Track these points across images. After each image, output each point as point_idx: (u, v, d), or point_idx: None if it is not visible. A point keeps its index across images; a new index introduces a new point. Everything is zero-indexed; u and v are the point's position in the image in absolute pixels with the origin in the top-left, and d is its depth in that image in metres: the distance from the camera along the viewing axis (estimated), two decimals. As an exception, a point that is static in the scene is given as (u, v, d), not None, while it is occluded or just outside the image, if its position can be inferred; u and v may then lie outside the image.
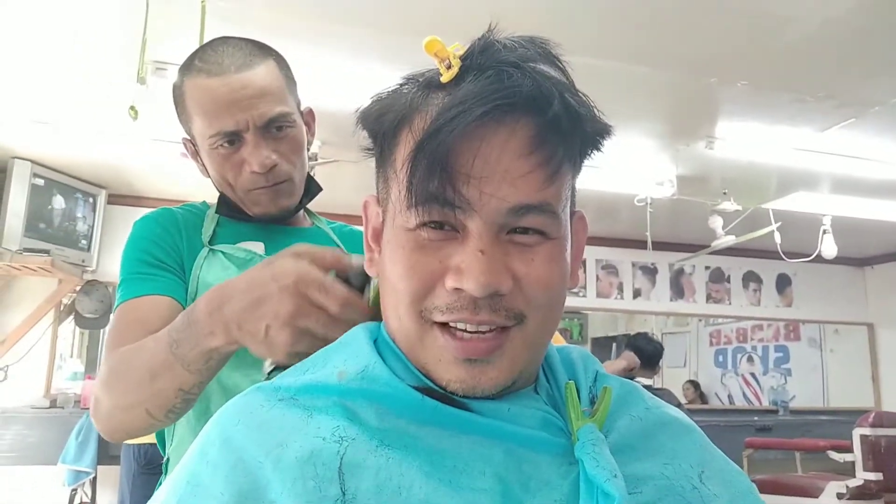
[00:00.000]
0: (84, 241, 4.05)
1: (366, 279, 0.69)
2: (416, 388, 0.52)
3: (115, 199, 4.28)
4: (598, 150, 0.55)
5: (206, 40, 1.94)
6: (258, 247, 1.02)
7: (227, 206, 1.05)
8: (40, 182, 3.74)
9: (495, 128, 0.49)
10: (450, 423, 0.51)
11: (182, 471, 0.51)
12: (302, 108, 1.05)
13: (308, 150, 1.06)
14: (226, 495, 0.47)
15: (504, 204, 0.49)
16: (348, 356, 0.56)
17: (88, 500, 3.79)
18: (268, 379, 0.62)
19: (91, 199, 4.09)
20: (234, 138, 0.95)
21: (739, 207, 3.88)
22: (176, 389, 0.76)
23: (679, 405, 3.65)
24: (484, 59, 0.51)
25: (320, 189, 1.11)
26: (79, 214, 4.02)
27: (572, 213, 0.57)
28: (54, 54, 2.51)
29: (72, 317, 4.24)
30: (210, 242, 1.01)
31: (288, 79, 1.01)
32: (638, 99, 2.84)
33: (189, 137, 1.04)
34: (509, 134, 0.49)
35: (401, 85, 0.56)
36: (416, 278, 0.51)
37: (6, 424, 3.75)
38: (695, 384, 6.22)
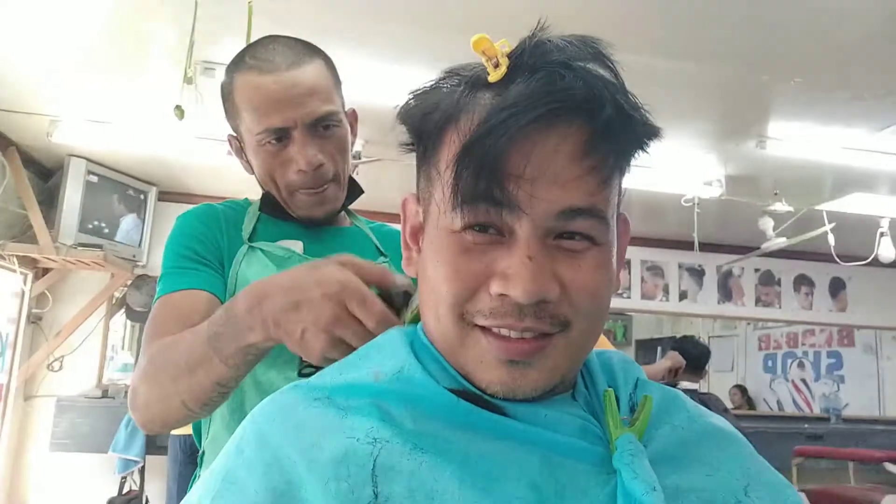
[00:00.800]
0: (135, 236, 4.16)
1: (406, 299, 0.69)
2: (452, 391, 0.51)
3: (165, 195, 4.39)
4: (646, 152, 0.53)
5: (252, 40, 1.97)
6: (297, 245, 1.02)
7: (269, 205, 1.06)
8: (94, 179, 3.86)
9: (547, 130, 0.47)
10: (485, 428, 0.50)
11: (218, 467, 0.51)
12: (346, 109, 1.05)
13: (351, 150, 1.06)
14: (260, 494, 0.47)
15: (554, 207, 0.48)
16: (384, 357, 0.56)
17: (137, 489, 3.90)
18: (301, 377, 0.62)
19: (142, 196, 4.21)
20: (281, 135, 0.96)
21: (791, 209, 3.76)
22: (213, 383, 0.77)
23: (725, 410, 3.56)
24: (534, 58, 0.49)
25: (362, 191, 1.12)
26: (130, 210, 4.13)
27: (617, 217, 0.55)
28: (107, 55, 2.59)
29: (123, 310, 4.36)
30: (250, 239, 1.02)
31: (335, 79, 1.02)
32: (686, 97, 2.78)
33: (235, 134, 1.04)
34: (561, 137, 0.48)
35: (440, 80, 0.54)
36: (460, 282, 0.50)
37: (61, 412, 3.89)
38: (742, 389, 6.06)
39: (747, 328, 6.39)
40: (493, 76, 0.50)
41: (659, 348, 5.60)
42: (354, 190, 1.10)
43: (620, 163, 0.52)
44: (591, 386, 0.57)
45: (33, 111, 3.16)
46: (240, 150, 1.05)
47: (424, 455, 0.48)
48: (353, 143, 1.07)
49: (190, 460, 3.02)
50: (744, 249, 4.67)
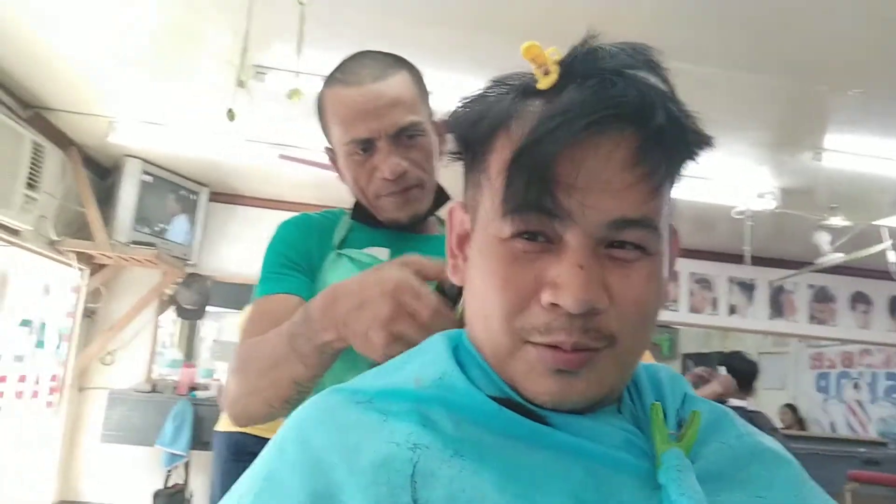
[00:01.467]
0: (186, 236, 4.27)
1: (460, 294, 0.71)
2: (494, 399, 0.51)
3: (216, 196, 4.50)
4: (695, 161, 0.52)
5: (304, 45, 2.00)
6: (383, 252, 1.06)
7: (360, 213, 1.10)
8: (149, 179, 3.98)
9: (598, 138, 0.47)
10: (527, 437, 0.50)
11: (260, 467, 0.52)
12: (434, 119, 1.08)
13: (437, 159, 1.09)
14: (301, 495, 0.47)
15: (605, 217, 0.47)
16: (425, 363, 0.55)
17: (182, 483, 3.99)
18: None
19: (194, 197, 4.32)
20: (367, 146, 1.00)
21: (849, 223, 3.63)
22: (291, 381, 0.81)
23: (773, 429, 3.45)
24: (585, 66, 0.49)
25: (449, 198, 1.14)
26: (183, 211, 4.24)
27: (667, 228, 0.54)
28: (163, 58, 2.67)
29: (173, 307, 4.48)
30: (339, 246, 1.06)
31: (420, 89, 1.05)
32: (739, 107, 2.72)
33: (330, 146, 1.09)
34: (613, 145, 0.47)
35: (488, 89, 0.54)
36: (512, 292, 0.49)
37: (112, 405, 4.01)
38: (793, 408, 5.88)
39: (799, 346, 6.20)
40: (544, 83, 0.50)
41: (688, 361, 5.47)
42: (442, 197, 1.12)
43: (671, 171, 0.51)
44: (637, 399, 0.56)
45: (93, 112, 3.28)
46: (334, 162, 1.10)
47: (464, 462, 0.47)
48: (443, 153, 1.10)
49: (234, 457, 3.07)
50: (797, 264, 4.53)
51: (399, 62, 1.03)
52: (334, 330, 0.75)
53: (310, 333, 0.78)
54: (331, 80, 1.03)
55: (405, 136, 1.00)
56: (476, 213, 0.54)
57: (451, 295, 0.73)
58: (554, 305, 0.47)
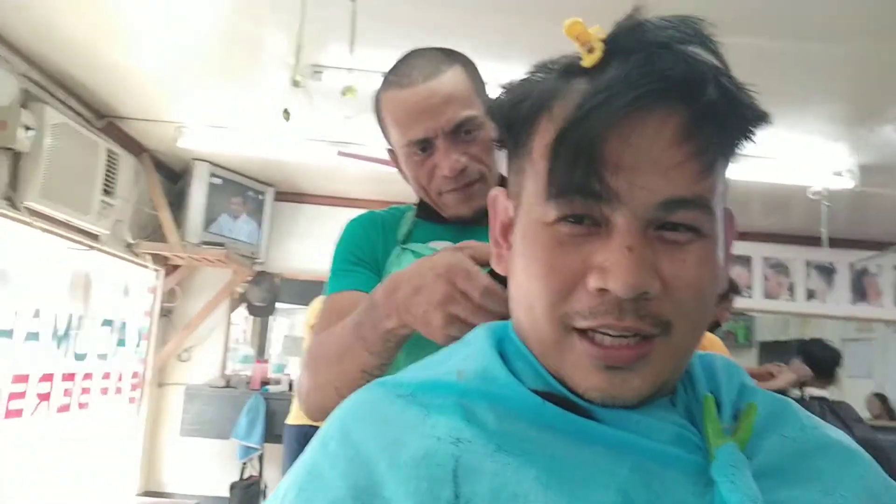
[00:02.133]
0: (254, 235, 4.39)
1: None
2: (538, 393, 0.49)
3: (282, 196, 4.61)
4: (752, 140, 0.49)
5: (356, 40, 2.01)
6: (446, 246, 1.08)
7: (424, 209, 1.11)
8: (218, 181, 4.11)
9: (645, 115, 0.45)
10: (572, 431, 0.48)
11: (305, 460, 0.52)
12: None
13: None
14: (342, 489, 0.47)
15: (655, 197, 0.45)
16: (468, 356, 0.54)
17: (257, 475, 4.11)
18: None
19: (260, 196, 4.44)
20: (425, 145, 1.00)
21: (937, 199, 3.42)
22: (359, 370, 0.83)
23: (859, 420, 3.28)
24: (630, 41, 0.47)
25: None
26: (250, 210, 4.36)
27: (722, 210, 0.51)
28: (223, 63, 2.74)
29: (244, 305, 4.62)
30: (404, 242, 1.08)
31: (475, 81, 1.04)
32: (812, 79, 2.58)
33: (391, 147, 1.10)
34: (661, 121, 0.45)
35: (533, 73, 0.53)
36: (557, 278, 0.47)
37: (190, 400, 4.18)
38: (882, 398, 5.57)
39: (887, 331, 5.87)
40: (587, 61, 0.48)
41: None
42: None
43: (724, 149, 0.48)
44: (691, 391, 0.53)
45: (162, 118, 3.41)
46: (397, 162, 1.11)
47: (508, 457, 0.46)
48: None
49: (304, 449, 3.15)
50: (881, 245, 4.29)
51: (452, 56, 1.03)
52: (397, 317, 0.77)
53: (374, 322, 0.80)
54: (385, 82, 1.03)
55: (462, 132, 0.99)
56: (520, 199, 0.53)
57: (503, 276, 0.73)
58: (602, 291, 0.45)
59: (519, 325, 0.54)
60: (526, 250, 0.50)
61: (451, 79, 0.99)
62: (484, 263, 0.71)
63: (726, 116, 0.46)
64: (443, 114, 0.97)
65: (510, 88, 0.53)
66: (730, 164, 0.50)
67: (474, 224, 1.08)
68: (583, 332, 0.47)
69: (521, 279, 0.51)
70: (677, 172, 0.45)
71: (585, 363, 0.47)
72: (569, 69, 0.50)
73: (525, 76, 0.53)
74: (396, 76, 1.01)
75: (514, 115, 0.52)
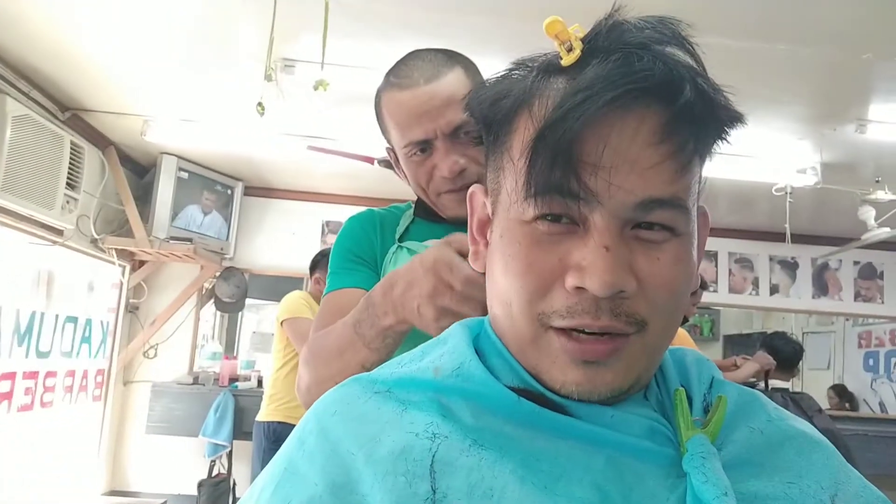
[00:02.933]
0: (223, 230, 4.34)
1: None
2: (513, 389, 0.50)
3: (251, 190, 4.56)
4: (726, 140, 0.50)
5: (329, 37, 1.99)
6: None
7: (422, 209, 1.12)
8: (185, 175, 4.05)
9: (623, 115, 0.45)
10: (547, 427, 0.48)
11: (281, 457, 0.52)
12: None
13: None
14: (320, 486, 0.47)
15: (632, 197, 0.45)
16: (445, 352, 0.54)
17: (225, 472, 4.07)
18: None
19: (229, 191, 4.38)
20: (425, 146, 1.01)
21: (895, 197, 3.51)
22: (359, 366, 0.85)
23: (819, 411, 3.36)
24: (609, 41, 0.47)
25: None
26: (218, 205, 4.31)
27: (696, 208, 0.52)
28: (193, 56, 2.70)
29: (212, 301, 4.56)
30: (401, 240, 1.09)
31: (476, 83, 1.04)
32: (777, 79, 2.63)
33: (390, 147, 1.10)
34: (639, 121, 0.46)
35: (510, 70, 0.53)
36: (534, 276, 0.48)
37: (156, 398, 4.12)
38: (840, 390, 5.73)
39: (846, 324, 6.03)
40: (567, 60, 0.48)
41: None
42: None
43: (700, 149, 0.49)
44: (663, 385, 0.54)
45: (128, 112, 3.34)
46: (396, 162, 1.11)
47: (484, 451, 0.47)
48: None
49: (273, 446, 3.13)
50: (842, 241, 4.40)
51: (453, 58, 1.03)
52: (394, 313, 0.80)
53: (372, 319, 0.83)
54: (385, 83, 1.04)
55: (462, 134, 1.00)
56: (498, 197, 0.53)
57: None
58: (579, 289, 0.46)
59: (496, 321, 0.54)
60: (504, 248, 0.51)
61: (451, 81, 1.00)
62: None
63: (703, 117, 0.47)
64: (443, 116, 0.98)
65: (489, 85, 0.53)
66: (704, 163, 0.51)
67: None
68: (559, 330, 0.48)
69: (499, 276, 0.51)
70: (654, 172, 0.46)
71: (562, 359, 0.48)
72: (548, 68, 0.50)
73: (503, 73, 0.53)
74: (397, 77, 1.01)
75: (494, 113, 0.52)
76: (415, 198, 1.15)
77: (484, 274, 0.66)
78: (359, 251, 1.08)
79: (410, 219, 1.13)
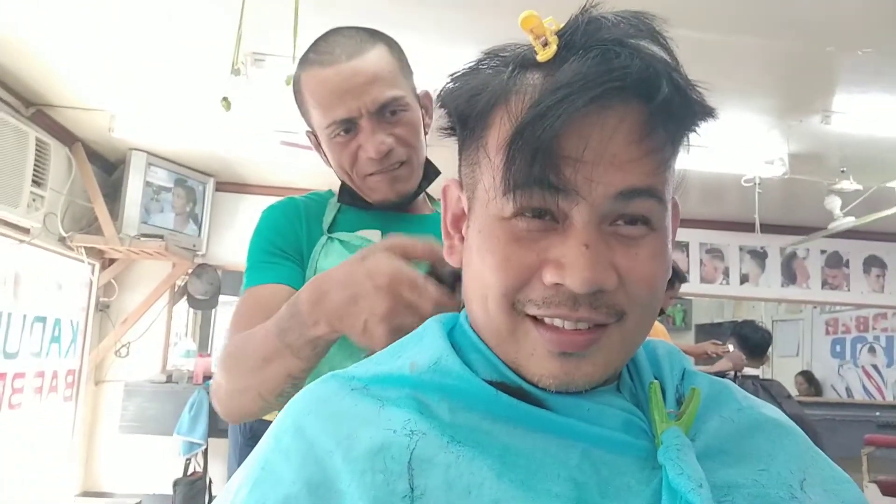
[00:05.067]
0: (194, 227, 4.28)
1: (456, 278, 0.68)
2: (490, 383, 0.50)
3: (223, 186, 4.50)
4: (696, 132, 0.51)
5: (300, 30, 1.97)
6: (375, 234, 1.03)
7: (347, 195, 1.07)
8: (155, 172, 3.98)
9: (602, 112, 0.45)
10: (524, 421, 0.49)
11: (257, 456, 0.52)
12: (419, 92, 1.05)
13: (427, 133, 1.06)
14: (297, 484, 0.47)
15: (611, 189, 0.46)
16: (421, 348, 0.55)
17: (201, 470, 4.03)
18: None
19: (201, 187, 4.32)
20: (349, 126, 0.97)
21: (860, 187, 3.58)
22: (285, 375, 0.79)
23: (788, 397, 3.44)
24: (585, 36, 0.47)
25: (438, 173, 1.10)
26: (190, 201, 4.25)
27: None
28: (162, 50, 2.65)
29: (185, 298, 4.50)
30: (329, 230, 1.04)
31: (401, 62, 1.01)
32: (744, 72, 2.67)
33: (311, 129, 1.06)
34: (618, 119, 0.46)
35: (481, 62, 0.53)
36: (512, 272, 0.48)
37: (129, 397, 4.05)
38: (808, 376, 5.86)
39: (813, 312, 6.16)
40: (543, 55, 0.48)
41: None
42: (430, 172, 1.09)
43: (677, 143, 0.50)
44: (636, 377, 0.55)
45: (95, 107, 3.27)
46: (317, 145, 1.07)
47: (462, 448, 0.47)
48: (429, 126, 1.07)
49: (249, 443, 3.10)
50: (809, 230, 4.48)
51: (375, 36, 0.99)
52: (327, 324, 0.73)
53: (300, 328, 0.76)
54: (305, 61, 0.99)
55: (388, 112, 0.96)
56: (474, 192, 0.53)
57: (446, 276, 0.70)
58: (557, 285, 0.46)
59: (473, 316, 0.54)
60: (482, 244, 0.51)
61: (375, 58, 0.96)
62: (416, 259, 0.70)
63: (680, 112, 0.47)
64: (367, 93, 0.94)
65: (461, 78, 0.53)
66: (678, 156, 0.52)
67: (400, 209, 1.05)
68: (536, 319, 0.48)
69: (476, 272, 0.52)
70: (633, 167, 0.46)
71: (540, 350, 0.48)
72: (524, 62, 0.50)
73: (475, 65, 0.53)
74: (318, 54, 0.97)
75: (470, 108, 0.52)
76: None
77: (449, 289, 0.66)
78: (282, 243, 1.01)
79: (336, 207, 1.07)
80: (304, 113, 1.03)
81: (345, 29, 0.99)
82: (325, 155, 1.05)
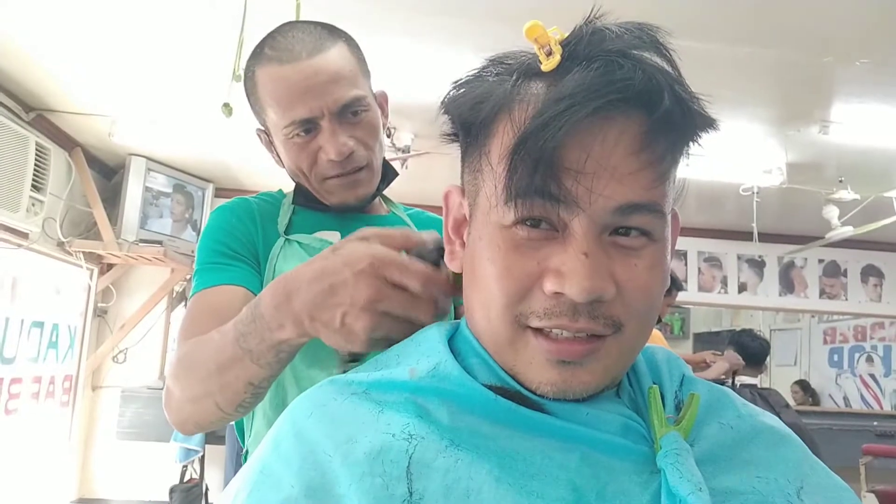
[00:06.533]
0: (193, 233, 4.28)
1: (439, 255, 0.65)
2: (490, 388, 0.50)
3: (222, 192, 4.49)
4: (698, 144, 0.51)
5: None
6: (334, 236, 1.00)
7: (302, 196, 1.04)
8: (155, 177, 3.98)
9: (604, 124, 0.46)
10: (523, 425, 0.49)
11: (255, 461, 0.51)
12: (375, 91, 1.02)
13: (387, 134, 1.04)
14: (296, 488, 0.47)
15: (611, 202, 0.46)
16: (421, 354, 0.55)
17: (197, 477, 4.02)
18: (344, 372, 0.61)
19: (200, 193, 4.32)
20: (309, 126, 0.93)
21: (858, 196, 3.59)
22: (245, 383, 0.73)
23: (786, 406, 3.44)
24: (589, 47, 0.48)
25: (396, 174, 1.09)
26: (189, 207, 4.25)
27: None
28: (162, 56, 2.66)
29: (183, 303, 4.49)
30: (286, 232, 1.00)
31: (360, 60, 0.98)
32: (743, 82, 2.68)
33: (263, 128, 1.03)
34: (620, 130, 0.46)
35: (484, 69, 0.53)
36: (513, 280, 0.48)
37: (126, 403, 4.03)
38: (804, 385, 5.86)
39: (811, 321, 6.17)
40: (547, 65, 0.48)
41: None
42: (388, 173, 1.06)
43: (677, 156, 0.50)
44: (635, 383, 0.55)
45: (95, 112, 3.28)
46: (269, 144, 1.04)
47: (461, 452, 0.47)
48: (384, 125, 1.04)
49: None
50: (806, 239, 4.49)
51: (334, 32, 0.96)
52: (293, 326, 0.66)
53: (262, 333, 0.69)
54: (261, 57, 0.94)
55: (349, 113, 0.94)
56: (476, 199, 0.53)
57: (427, 255, 0.66)
58: (557, 294, 0.47)
59: (473, 322, 0.54)
60: (483, 252, 0.51)
61: (336, 56, 0.92)
62: (398, 250, 0.65)
63: (681, 124, 0.48)
64: (329, 93, 0.91)
65: (464, 85, 0.53)
66: (678, 168, 0.52)
67: (357, 211, 1.03)
68: (537, 330, 0.49)
69: (478, 279, 0.52)
70: (634, 179, 0.47)
71: (539, 359, 0.49)
72: (527, 71, 0.50)
73: (478, 72, 0.53)
74: (276, 51, 0.92)
75: (473, 116, 0.52)
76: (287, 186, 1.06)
77: (438, 268, 0.64)
78: (235, 245, 0.95)
79: (291, 209, 1.03)
80: (258, 111, 0.99)
81: (301, 23, 0.96)
82: (277, 155, 1.02)
